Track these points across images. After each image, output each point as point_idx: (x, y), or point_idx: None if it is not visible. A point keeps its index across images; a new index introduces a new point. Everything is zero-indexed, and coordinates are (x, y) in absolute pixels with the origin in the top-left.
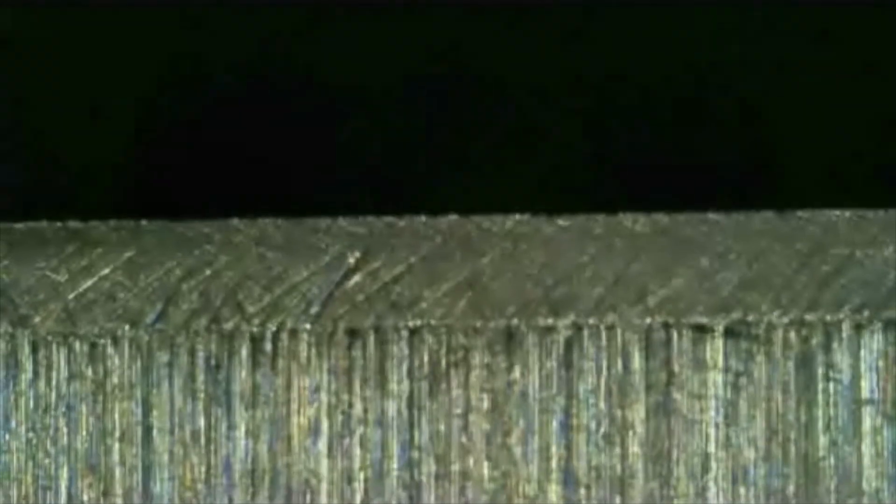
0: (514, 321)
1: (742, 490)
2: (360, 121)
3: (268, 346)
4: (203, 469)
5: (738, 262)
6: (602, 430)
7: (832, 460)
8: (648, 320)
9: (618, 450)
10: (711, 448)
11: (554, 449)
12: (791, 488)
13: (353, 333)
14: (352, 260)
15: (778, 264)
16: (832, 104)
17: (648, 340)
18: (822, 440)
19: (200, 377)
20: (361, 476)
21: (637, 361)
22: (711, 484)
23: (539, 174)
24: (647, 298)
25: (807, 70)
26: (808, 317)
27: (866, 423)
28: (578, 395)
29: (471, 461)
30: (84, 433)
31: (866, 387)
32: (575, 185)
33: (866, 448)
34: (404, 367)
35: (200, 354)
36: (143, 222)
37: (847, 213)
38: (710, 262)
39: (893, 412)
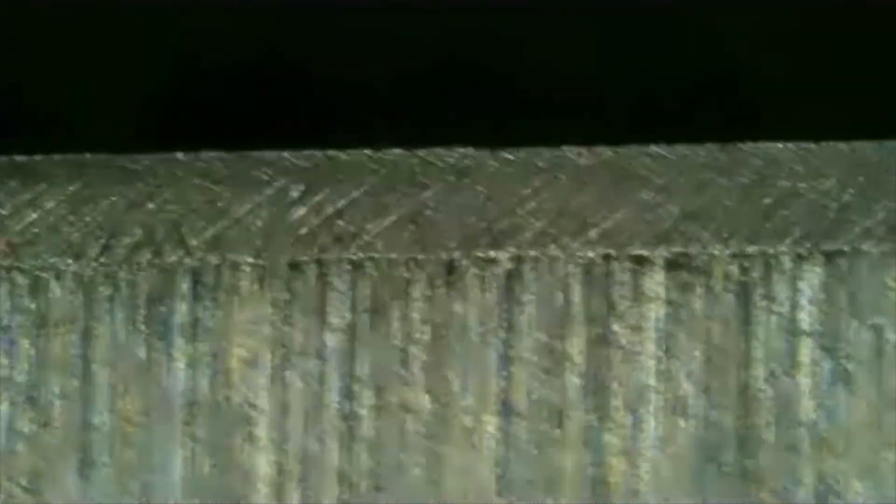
0: (456, 254)
1: (680, 422)
2: (304, 54)
3: (209, 280)
4: (143, 401)
5: (679, 194)
6: (541, 362)
7: (770, 392)
8: (590, 253)
9: (556, 382)
10: (650, 380)
11: (493, 381)
12: (729, 420)
13: (294, 266)
14: (295, 193)
15: (719, 196)
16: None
17: (589, 272)
18: (760, 372)
19: (142, 310)
20: (300, 408)
21: (577, 293)
22: (649, 416)
23: (483, 108)
24: (588, 231)
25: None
26: (749, 249)
27: (804, 355)
28: (518, 327)
29: (409, 393)
30: (25, 365)
31: (805, 319)
32: (519, 118)
33: (803, 379)
34: (345, 300)
35: (142, 288)
36: (87, 156)
37: (790, 146)
38: (652, 195)
39: (831, 344)
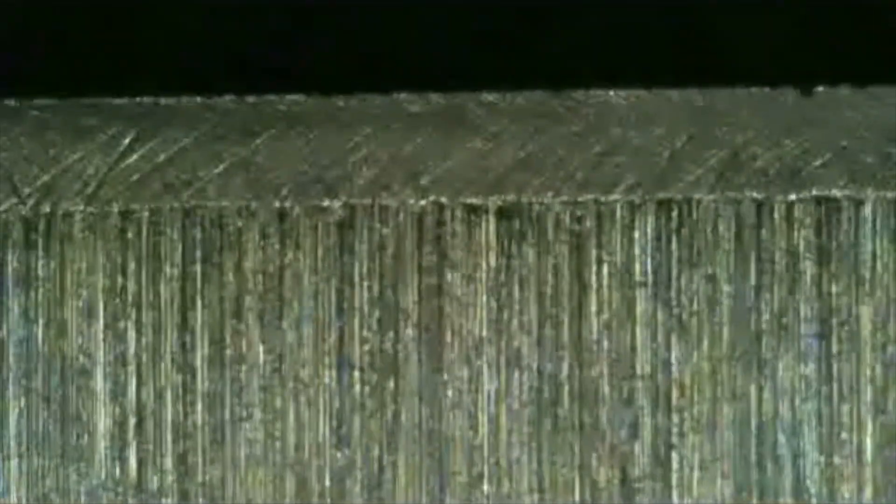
0: (288, 202)
1: (515, 373)
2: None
3: (42, 228)
4: None
5: (511, 142)
6: (375, 313)
7: (606, 344)
8: (422, 202)
9: (391, 333)
10: (485, 331)
11: (328, 333)
12: (564, 372)
13: (127, 215)
14: (126, 140)
15: (551, 144)
16: None
17: (421, 221)
18: (595, 323)
19: None
20: (135, 359)
21: (410, 243)
22: (484, 368)
23: (313, 54)
24: (420, 179)
25: None
26: (581, 198)
27: (639, 307)
28: (352, 277)
29: (244, 344)
30: None
31: (638, 269)
32: (351, 65)
33: (640, 331)
34: (178, 249)
35: None
36: None
37: (621, 93)
38: (484, 143)
39: (666, 294)
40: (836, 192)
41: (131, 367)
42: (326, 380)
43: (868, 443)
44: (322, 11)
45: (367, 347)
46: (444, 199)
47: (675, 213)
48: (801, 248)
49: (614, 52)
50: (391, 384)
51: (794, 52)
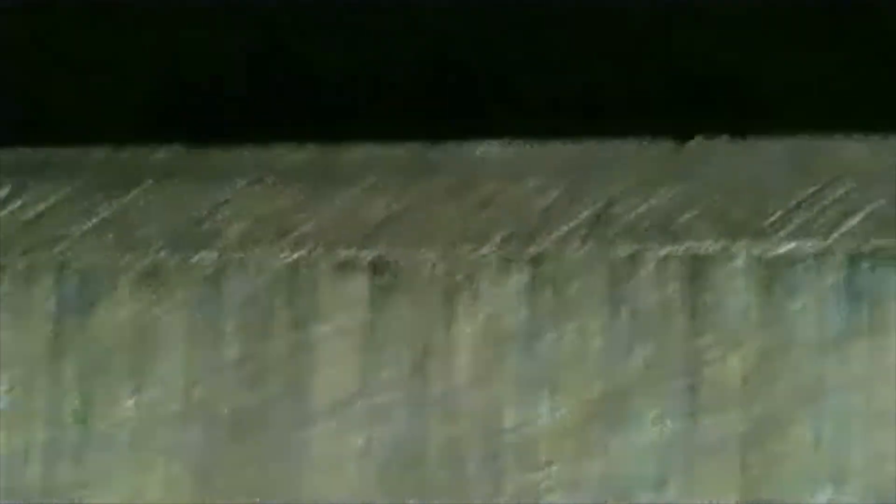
0: (161, 255)
1: (383, 427)
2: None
3: None
4: None
5: (384, 195)
6: (245, 366)
7: (475, 398)
8: (293, 255)
9: (260, 386)
10: (355, 385)
11: (197, 387)
12: (432, 426)
13: (1, 268)
14: (2, 193)
15: (424, 198)
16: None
17: (292, 275)
18: (465, 377)
19: None
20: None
21: (280, 296)
22: (353, 421)
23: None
24: (292, 232)
25: None
26: (454, 251)
27: (509, 358)
28: (223, 329)
29: (114, 400)
30: None
31: (511, 320)
32: (231, 117)
33: (508, 385)
34: (52, 302)
35: None
36: None
37: (495, 145)
38: (356, 196)
39: (537, 346)
40: (707, 246)
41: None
42: (192, 436)
43: (732, 497)
44: (196, 62)
45: (235, 401)
46: (315, 253)
47: (546, 267)
48: (673, 301)
49: (488, 105)
50: (258, 438)
51: (667, 104)
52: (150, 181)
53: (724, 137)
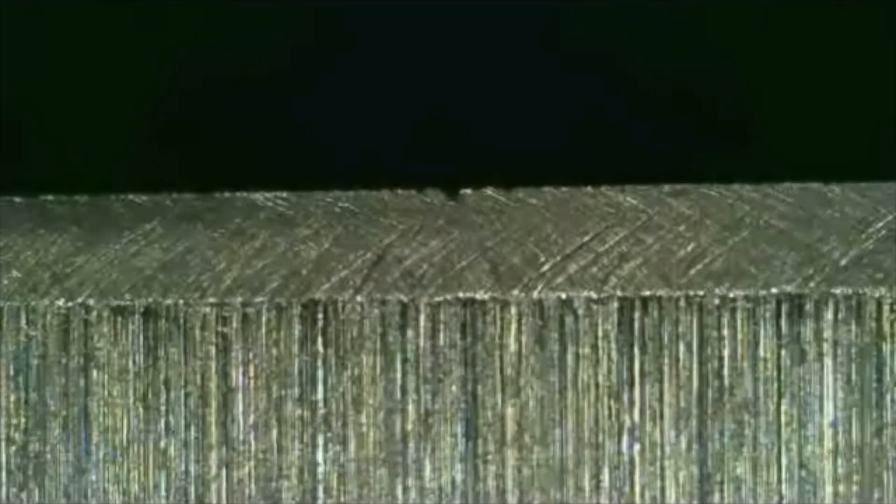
0: None
1: (163, 474)
2: None
3: None
4: None
5: (159, 243)
6: (22, 414)
7: (253, 444)
8: (69, 303)
9: (38, 434)
10: (132, 433)
11: None
12: (212, 472)
13: None
14: None
15: (199, 246)
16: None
17: (68, 323)
18: (242, 424)
19: None
20: None
21: (56, 344)
22: (132, 468)
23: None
24: (66, 281)
25: None
26: (228, 299)
27: (287, 407)
28: None
29: None
30: None
31: (286, 370)
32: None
33: (287, 431)
34: None
35: None
36: None
37: (268, 195)
38: (130, 244)
39: (313, 396)
40: (481, 294)
41: None
42: None
43: None
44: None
45: (13, 448)
46: (90, 301)
47: (321, 315)
48: (448, 348)
49: (259, 154)
50: (37, 486)
51: (440, 154)
52: None
53: (495, 188)
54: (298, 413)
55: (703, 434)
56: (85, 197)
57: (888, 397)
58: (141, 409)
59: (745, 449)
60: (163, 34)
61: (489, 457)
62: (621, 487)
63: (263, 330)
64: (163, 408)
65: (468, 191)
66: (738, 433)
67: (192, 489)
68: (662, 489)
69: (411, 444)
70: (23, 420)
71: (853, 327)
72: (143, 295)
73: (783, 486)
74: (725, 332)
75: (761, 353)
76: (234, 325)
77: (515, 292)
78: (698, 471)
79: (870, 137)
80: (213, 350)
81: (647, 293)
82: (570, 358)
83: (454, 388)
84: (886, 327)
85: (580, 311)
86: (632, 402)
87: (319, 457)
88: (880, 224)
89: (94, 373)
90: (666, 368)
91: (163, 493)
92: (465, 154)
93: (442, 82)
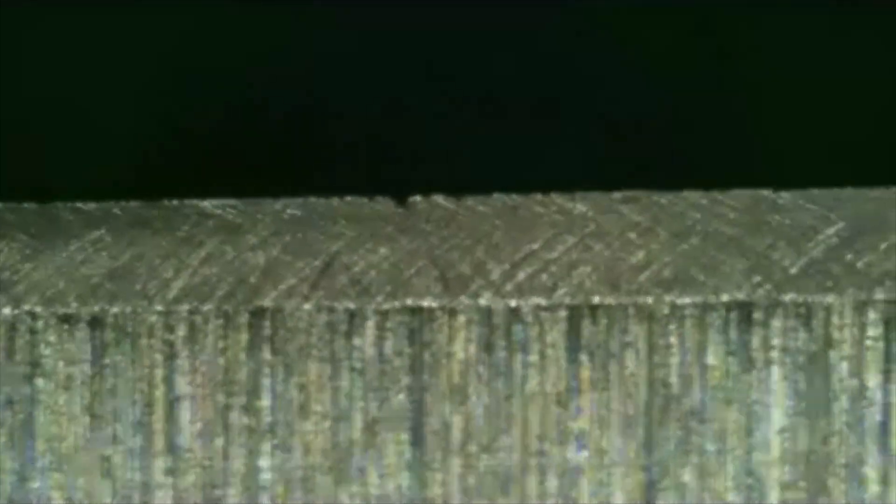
0: None
1: (108, 482)
2: None
3: None
4: None
5: (107, 251)
6: None
7: (199, 452)
8: (15, 311)
9: None
10: (79, 440)
11: None
12: (157, 479)
13: None
14: None
15: (146, 254)
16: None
17: (14, 331)
18: (188, 431)
19: None
20: None
21: (2, 352)
22: (77, 476)
23: None
24: (12, 288)
25: None
26: (175, 307)
27: (233, 414)
28: None
29: None
30: None
31: (234, 377)
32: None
33: (233, 439)
34: None
35: None
36: None
37: (216, 203)
38: (78, 251)
39: (260, 403)
40: (430, 301)
41: None
42: None
43: None
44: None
45: None
46: (37, 309)
47: (268, 322)
48: (395, 356)
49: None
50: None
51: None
52: None
53: (443, 195)
54: (244, 421)
55: (651, 441)
56: (33, 204)
57: (836, 405)
58: (87, 418)
59: (692, 456)
60: (111, 42)
61: (435, 464)
62: (568, 494)
63: (210, 338)
64: (109, 416)
65: (417, 198)
66: (685, 440)
67: (136, 496)
68: (609, 496)
69: (357, 452)
70: None
71: (802, 335)
72: (90, 303)
73: (729, 493)
74: (674, 339)
75: (710, 360)
76: (181, 332)
77: (464, 300)
78: (645, 477)
79: (821, 144)
80: (159, 358)
81: (597, 301)
82: (517, 366)
83: (401, 395)
84: (835, 335)
85: (529, 319)
86: (580, 410)
87: (264, 464)
88: (830, 231)
89: (40, 381)
90: (614, 376)
91: (107, 500)
92: (414, 161)
93: (390, 90)
